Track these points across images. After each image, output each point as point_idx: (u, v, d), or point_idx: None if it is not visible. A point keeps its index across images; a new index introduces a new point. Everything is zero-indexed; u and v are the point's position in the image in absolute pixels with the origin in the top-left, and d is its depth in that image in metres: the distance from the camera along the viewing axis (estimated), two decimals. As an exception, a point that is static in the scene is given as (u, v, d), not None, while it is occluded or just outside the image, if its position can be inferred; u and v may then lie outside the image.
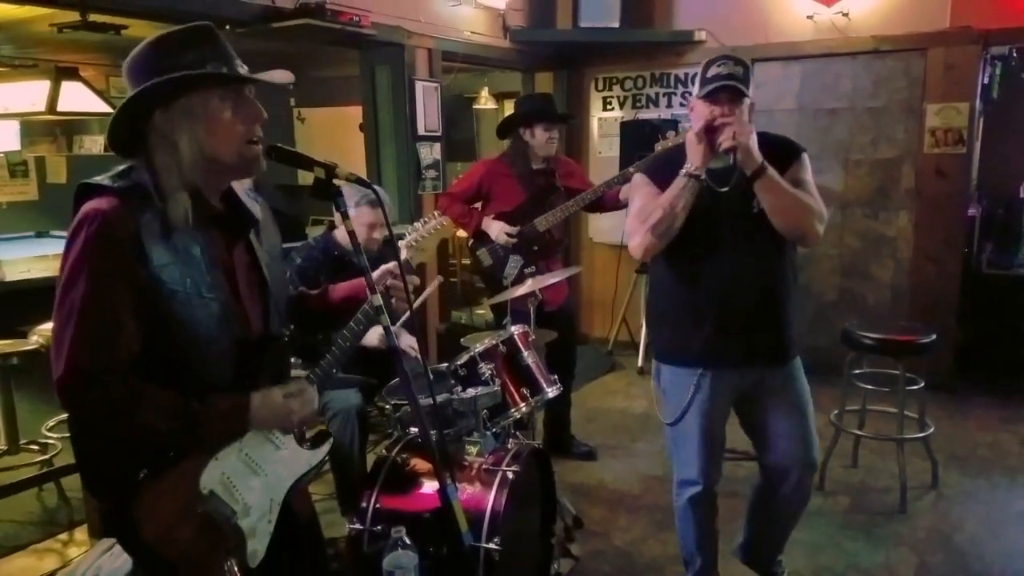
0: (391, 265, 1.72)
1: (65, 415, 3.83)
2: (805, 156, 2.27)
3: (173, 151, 1.38)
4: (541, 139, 3.50)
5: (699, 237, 2.21)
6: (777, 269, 2.27)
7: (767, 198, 2.14)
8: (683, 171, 2.17)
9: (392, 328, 1.53)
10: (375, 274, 1.72)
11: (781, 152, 2.23)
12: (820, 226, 2.18)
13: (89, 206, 1.36)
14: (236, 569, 1.45)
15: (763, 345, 2.28)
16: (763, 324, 2.27)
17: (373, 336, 2.82)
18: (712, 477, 2.40)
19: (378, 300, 1.53)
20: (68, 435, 3.81)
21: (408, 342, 2.95)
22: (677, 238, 2.21)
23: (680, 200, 2.17)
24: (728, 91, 2.13)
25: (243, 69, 1.42)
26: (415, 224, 1.97)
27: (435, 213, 2.01)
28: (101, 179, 1.40)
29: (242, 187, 1.57)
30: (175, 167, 1.39)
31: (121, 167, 1.42)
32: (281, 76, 1.48)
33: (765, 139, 2.26)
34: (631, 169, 3.44)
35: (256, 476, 1.52)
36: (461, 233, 3.75)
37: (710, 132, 2.13)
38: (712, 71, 2.16)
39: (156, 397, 1.37)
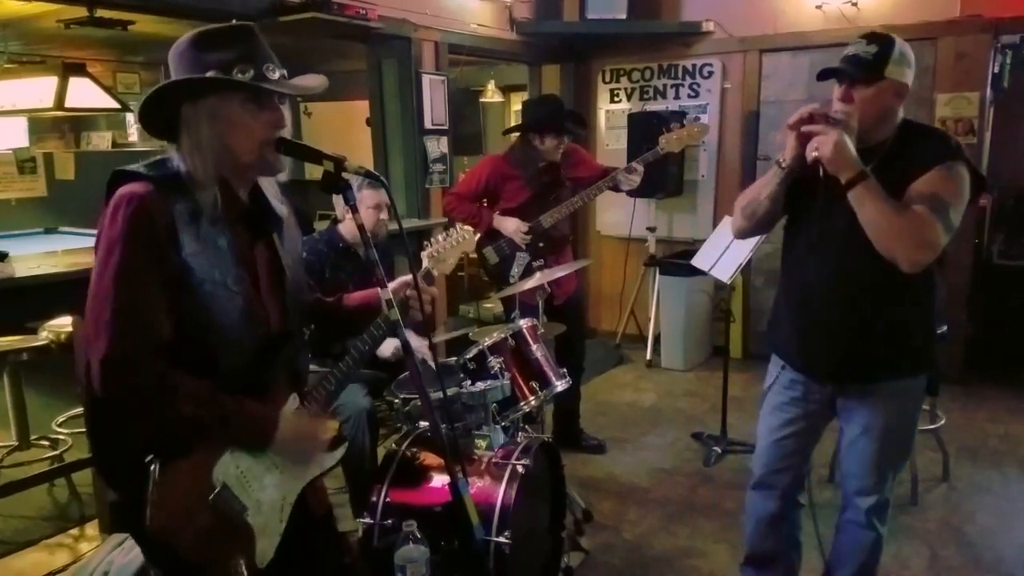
0: (408, 278, 1.72)
1: (74, 411, 3.86)
2: (955, 165, 1.92)
3: (198, 143, 1.41)
4: (551, 146, 3.49)
5: (807, 228, 2.07)
6: (880, 279, 1.97)
7: (858, 212, 1.91)
8: (776, 158, 2.07)
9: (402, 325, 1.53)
10: (393, 285, 1.73)
11: (925, 153, 1.94)
12: (919, 254, 1.87)
13: (125, 189, 1.37)
14: (243, 568, 1.45)
15: (838, 357, 2.08)
16: (844, 336, 2.05)
17: (387, 347, 2.84)
18: (771, 475, 2.30)
19: (388, 294, 1.53)
20: (78, 431, 3.80)
21: (417, 344, 2.96)
22: (792, 223, 2.11)
23: (767, 188, 2.09)
24: (842, 75, 1.95)
25: (275, 73, 1.43)
26: (438, 236, 1.96)
27: (459, 226, 1.98)
28: (136, 167, 1.41)
29: (272, 187, 1.59)
30: (201, 159, 1.41)
31: (155, 158, 1.45)
32: (313, 80, 1.50)
33: (916, 132, 2.03)
34: (634, 164, 3.44)
35: (271, 474, 1.52)
36: (475, 238, 3.74)
37: (806, 124, 1.94)
38: (846, 50, 1.98)
39: (193, 388, 1.39)
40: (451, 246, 1.93)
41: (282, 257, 1.58)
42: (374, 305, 1.75)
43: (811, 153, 1.92)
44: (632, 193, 5.13)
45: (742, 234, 2.27)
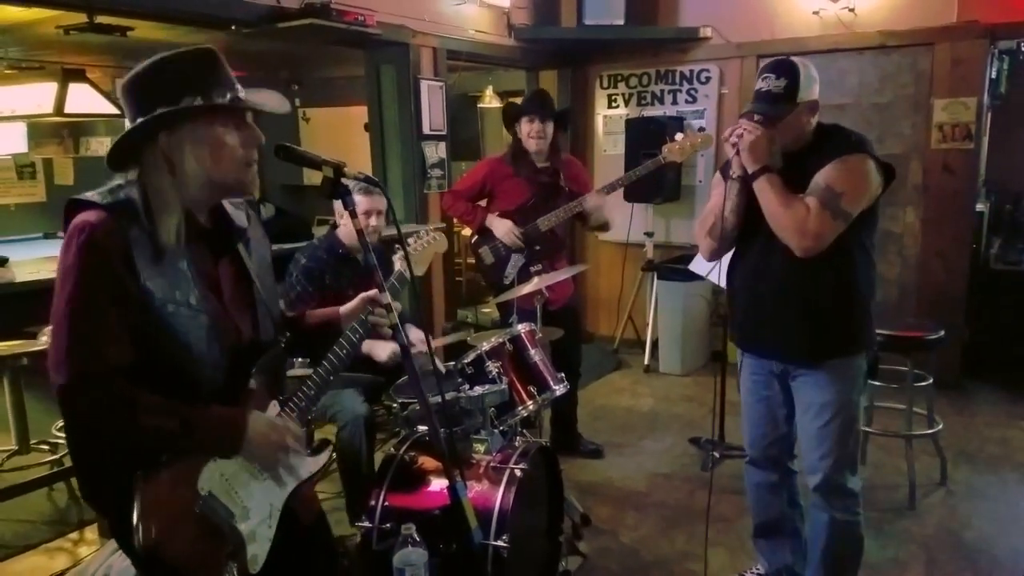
0: (372, 293, 1.74)
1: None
2: (851, 157, 2.14)
3: (175, 172, 1.42)
4: (525, 132, 3.50)
5: (748, 227, 2.28)
6: (810, 268, 2.16)
7: (760, 202, 2.19)
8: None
9: (399, 324, 1.54)
10: (351, 304, 1.77)
11: (828, 149, 2.17)
12: (805, 241, 2.11)
13: (79, 219, 1.39)
14: (236, 574, 1.45)
15: (778, 339, 2.29)
16: (779, 319, 2.26)
17: (384, 351, 2.84)
18: (757, 449, 2.52)
19: (387, 298, 1.54)
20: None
21: (416, 336, 2.97)
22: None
23: (728, 203, 2.26)
24: (761, 115, 2.16)
25: (242, 94, 1.46)
26: (409, 239, 1.99)
27: (428, 228, 2.04)
28: (90, 195, 1.42)
29: (231, 203, 1.60)
30: (172, 187, 1.42)
31: (111, 184, 1.45)
32: (277, 103, 1.52)
33: (826, 133, 2.24)
34: (619, 181, 3.50)
35: (256, 480, 1.53)
36: (467, 231, 3.76)
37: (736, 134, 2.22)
38: (757, 84, 2.21)
39: (152, 402, 1.39)
40: (423, 248, 1.97)
41: (249, 267, 1.59)
42: (334, 323, 1.78)
43: (732, 140, 2.17)
44: (630, 198, 5.19)
45: (714, 254, 2.44)
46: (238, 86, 1.45)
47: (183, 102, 1.39)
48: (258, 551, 1.51)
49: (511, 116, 3.58)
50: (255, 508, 1.51)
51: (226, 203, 1.58)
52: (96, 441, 1.44)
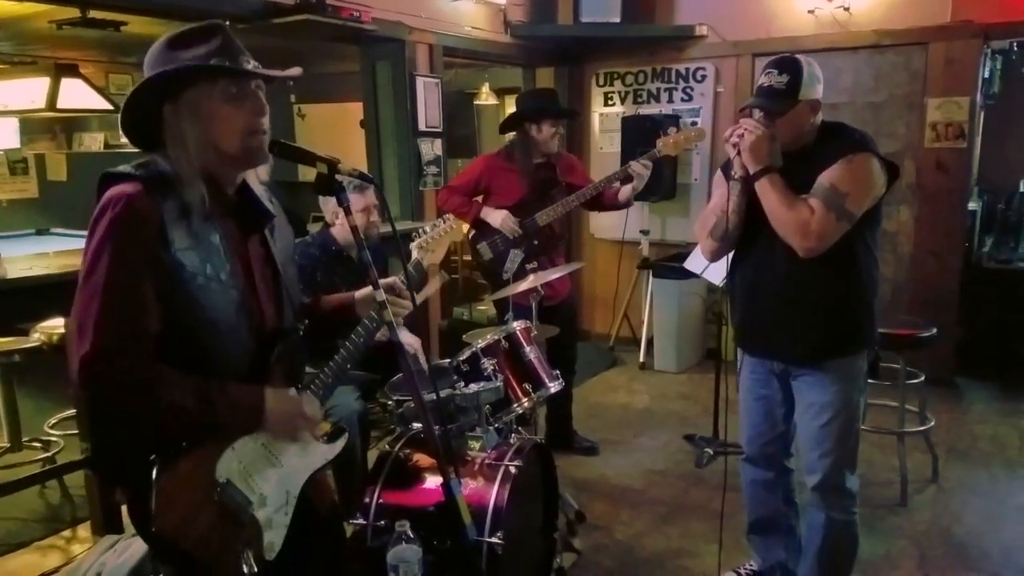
0: (391, 280, 1.74)
1: (66, 413, 3.86)
2: (856, 157, 2.11)
3: (182, 143, 1.42)
4: (547, 134, 3.49)
5: (750, 226, 2.27)
6: (812, 267, 2.15)
7: (762, 202, 2.18)
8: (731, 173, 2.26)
9: (395, 323, 1.54)
10: (363, 291, 1.77)
11: (832, 149, 2.16)
12: (807, 242, 2.11)
13: (114, 190, 1.39)
14: (252, 560, 1.46)
15: (780, 339, 2.28)
16: (781, 319, 2.25)
17: None
18: (754, 446, 2.52)
19: (382, 295, 1.55)
20: (71, 432, 3.77)
21: (408, 340, 2.96)
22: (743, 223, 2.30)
23: (731, 204, 2.25)
24: (762, 109, 2.16)
25: (250, 64, 1.45)
26: (425, 227, 1.99)
27: (446, 216, 2.03)
28: (124, 168, 1.43)
29: (260, 185, 1.60)
30: (186, 157, 1.42)
31: (143, 159, 1.46)
32: (288, 70, 1.52)
33: (829, 132, 2.23)
34: (630, 165, 3.45)
35: (273, 467, 1.54)
36: (464, 228, 3.75)
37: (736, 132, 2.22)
38: (759, 79, 2.21)
39: (176, 377, 1.39)
40: (439, 235, 1.98)
41: (274, 253, 1.59)
42: (349, 308, 1.78)
43: (732, 140, 2.18)
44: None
45: (715, 255, 2.42)
46: (244, 57, 1.44)
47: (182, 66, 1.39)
48: (274, 538, 1.51)
49: (530, 117, 3.52)
50: (272, 495, 1.52)
51: (253, 185, 1.57)
52: (116, 416, 1.43)
